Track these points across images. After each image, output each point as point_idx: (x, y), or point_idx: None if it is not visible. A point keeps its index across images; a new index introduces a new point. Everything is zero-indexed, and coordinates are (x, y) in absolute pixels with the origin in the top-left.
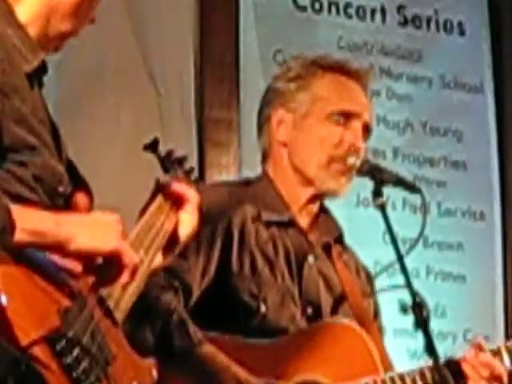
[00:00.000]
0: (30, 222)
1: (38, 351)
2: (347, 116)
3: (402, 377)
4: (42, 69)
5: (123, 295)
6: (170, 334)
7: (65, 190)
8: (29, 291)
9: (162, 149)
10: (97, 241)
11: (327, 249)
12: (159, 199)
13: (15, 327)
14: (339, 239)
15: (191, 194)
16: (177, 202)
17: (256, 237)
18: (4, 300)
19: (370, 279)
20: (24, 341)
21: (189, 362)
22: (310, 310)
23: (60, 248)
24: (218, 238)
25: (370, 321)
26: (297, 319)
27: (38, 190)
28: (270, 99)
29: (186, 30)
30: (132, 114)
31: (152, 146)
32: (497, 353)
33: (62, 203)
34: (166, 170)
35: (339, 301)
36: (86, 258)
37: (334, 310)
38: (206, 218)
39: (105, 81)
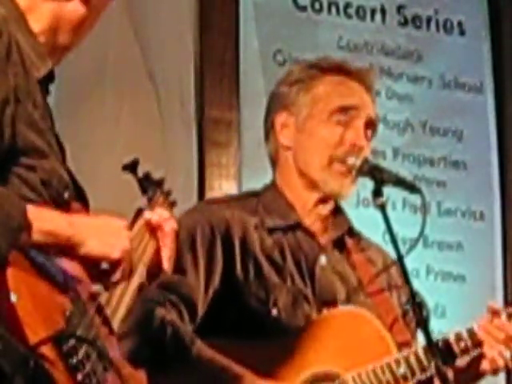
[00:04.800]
0: (46, 222)
1: (46, 350)
2: (347, 112)
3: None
4: (49, 77)
5: (119, 305)
6: (165, 347)
7: (69, 197)
8: (36, 292)
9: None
10: (106, 247)
11: (340, 244)
12: (140, 224)
13: (24, 325)
14: (351, 231)
15: (169, 225)
16: (155, 230)
17: (260, 244)
18: (14, 298)
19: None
20: (33, 339)
21: (187, 369)
22: (325, 311)
23: (70, 250)
24: (218, 250)
25: (392, 308)
26: (312, 318)
27: (44, 195)
28: (273, 104)
29: (186, 30)
30: (132, 114)
31: (131, 167)
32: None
33: (65, 210)
34: (143, 190)
35: (353, 292)
36: (93, 262)
37: (348, 302)
38: (201, 233)
39: (105, 81)
